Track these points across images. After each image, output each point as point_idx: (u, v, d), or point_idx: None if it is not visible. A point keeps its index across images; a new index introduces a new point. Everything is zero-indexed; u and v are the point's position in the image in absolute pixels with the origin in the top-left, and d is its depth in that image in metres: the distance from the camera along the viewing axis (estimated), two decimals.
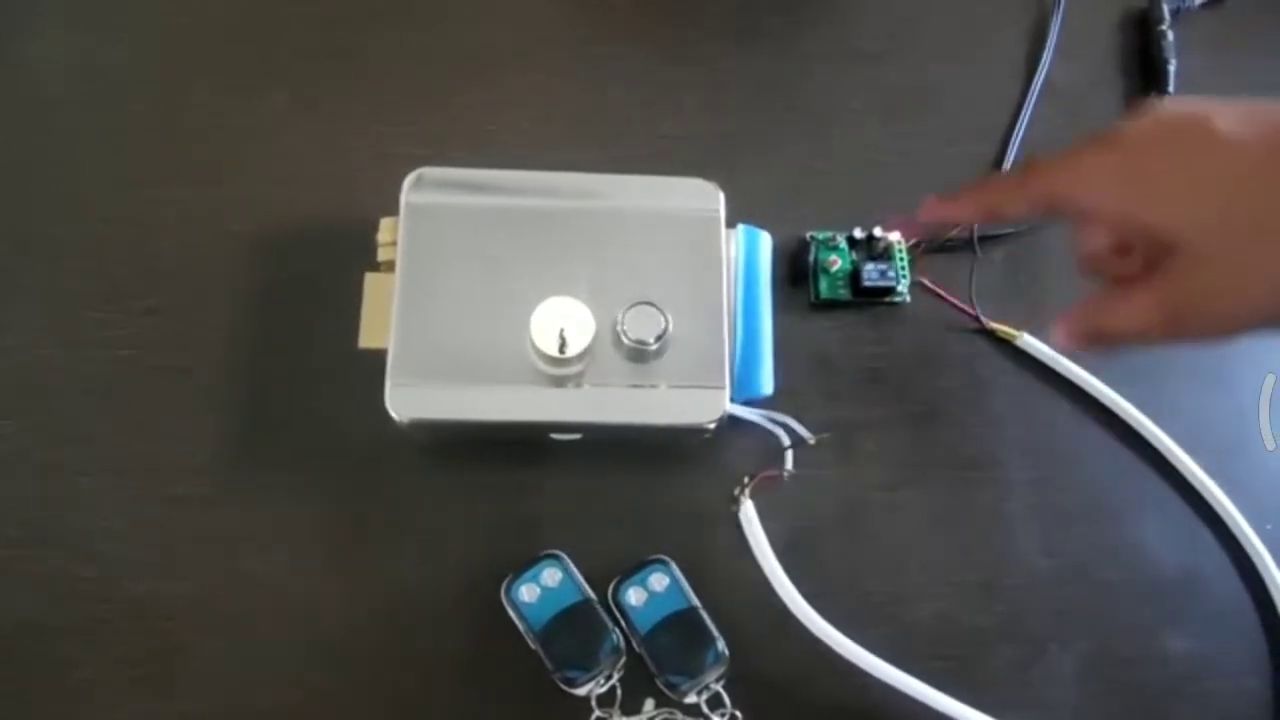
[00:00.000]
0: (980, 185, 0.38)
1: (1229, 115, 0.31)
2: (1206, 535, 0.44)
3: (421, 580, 0.41)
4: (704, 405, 0.40)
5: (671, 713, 0.40)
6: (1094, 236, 0.35)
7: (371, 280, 0.41)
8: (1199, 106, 0.31)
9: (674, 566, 0.41)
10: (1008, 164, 0.47)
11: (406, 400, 0.39)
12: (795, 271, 0.46)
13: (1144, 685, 0.42)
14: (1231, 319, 0.31)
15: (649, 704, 0.40)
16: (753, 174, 0.47)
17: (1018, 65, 0.50)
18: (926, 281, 0.45)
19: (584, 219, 0.41)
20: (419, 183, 0.41)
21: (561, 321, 0.38)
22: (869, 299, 0.45)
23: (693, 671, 0.39)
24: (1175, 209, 0.30)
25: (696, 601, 0.40)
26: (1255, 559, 0.43)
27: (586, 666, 0.39)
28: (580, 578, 0.40)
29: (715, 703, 0.40)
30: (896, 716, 0.40)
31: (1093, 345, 0.34)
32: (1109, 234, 0.35)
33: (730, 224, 0.42)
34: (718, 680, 0.40)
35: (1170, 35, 0.49)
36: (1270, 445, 0.45)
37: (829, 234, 0.46)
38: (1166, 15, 0.50)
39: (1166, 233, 0.30)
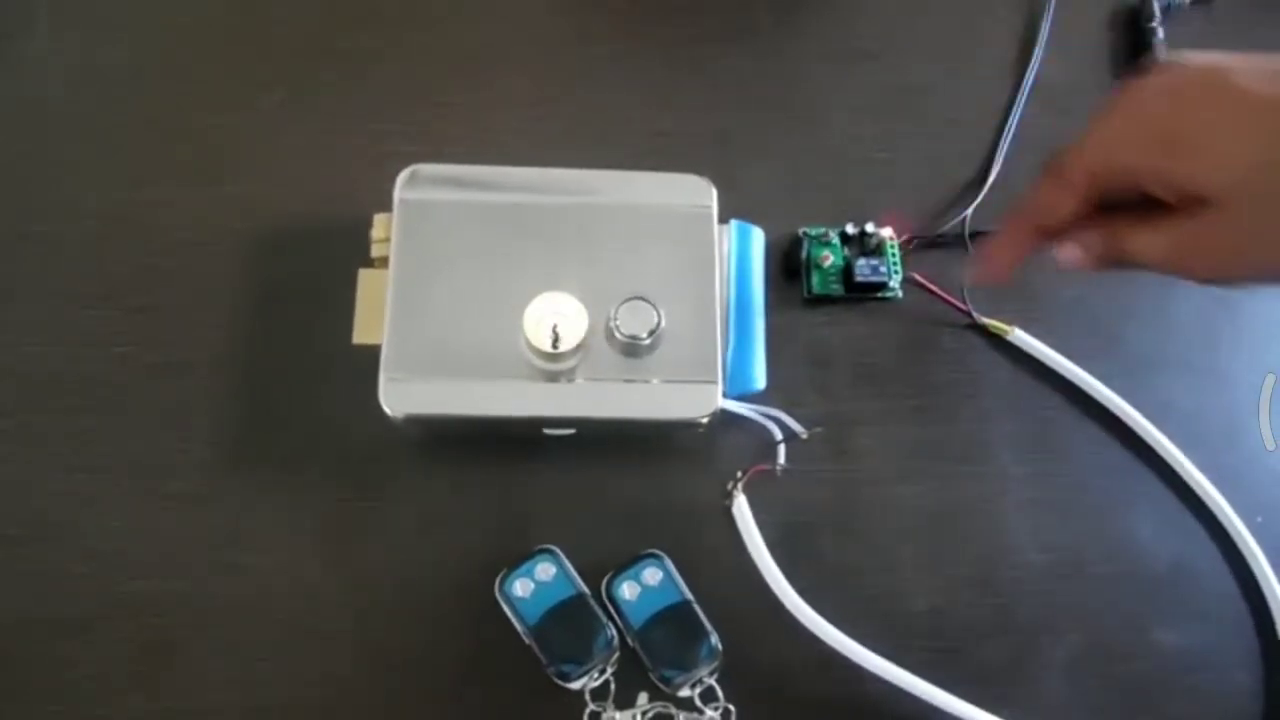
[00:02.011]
0: (1018, 209, 0.36)
1: (1247, 71, 0.31)
2: (1198, 530, 0.44)
3: (415, 575, 0.41)
4: (697, 400, 0.40)
5: (665, 706, 0.40)
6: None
7: (365, 276, 0.41)
8: (1213, 61, 0.32)
9: (667, 560, 0.41)
10: (999, 161, 0.48)
11: (400, 396, 0.39)
12: (788, 267, 0.46)
13: (1135, 679, 0.42)
14: (1238, 269, 0.32)
15: (643, 698, 0.40)
16: (747, 171, 0.47)
17: (1009, 63, 0.50)
18: (919, 277, 0.45)
19: (577, 215, 0.41)
20: (413, 179, 0.41)
21: (555, 317, 0.39)
22: (861, 294, 0.45)
23: (686, 665, 0.39)
24: (1203, 164, 0.31)
25: (690, 595, 0.40)
26: (1246, 554, 0.43)
27: (580, 661, 0.39)
28: (574, 572, 0.41)
29: (709, 696, 0.40)
30: (889, 709, 0.40)
31: (1105, 265, 0.34)
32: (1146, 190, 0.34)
33: (723, 220, 0.43)
34: (711, 674, 0.40)
35: (1160, 33, 0.50)
36: (1270, 445, 0.45)
37: (822, 230, 0.46)
38: (1157, 13, 0.50)
39: (1195, 187, 0.31)
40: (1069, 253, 0.35)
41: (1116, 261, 0.34)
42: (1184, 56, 0.32)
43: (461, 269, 0.40)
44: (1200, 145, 0.31)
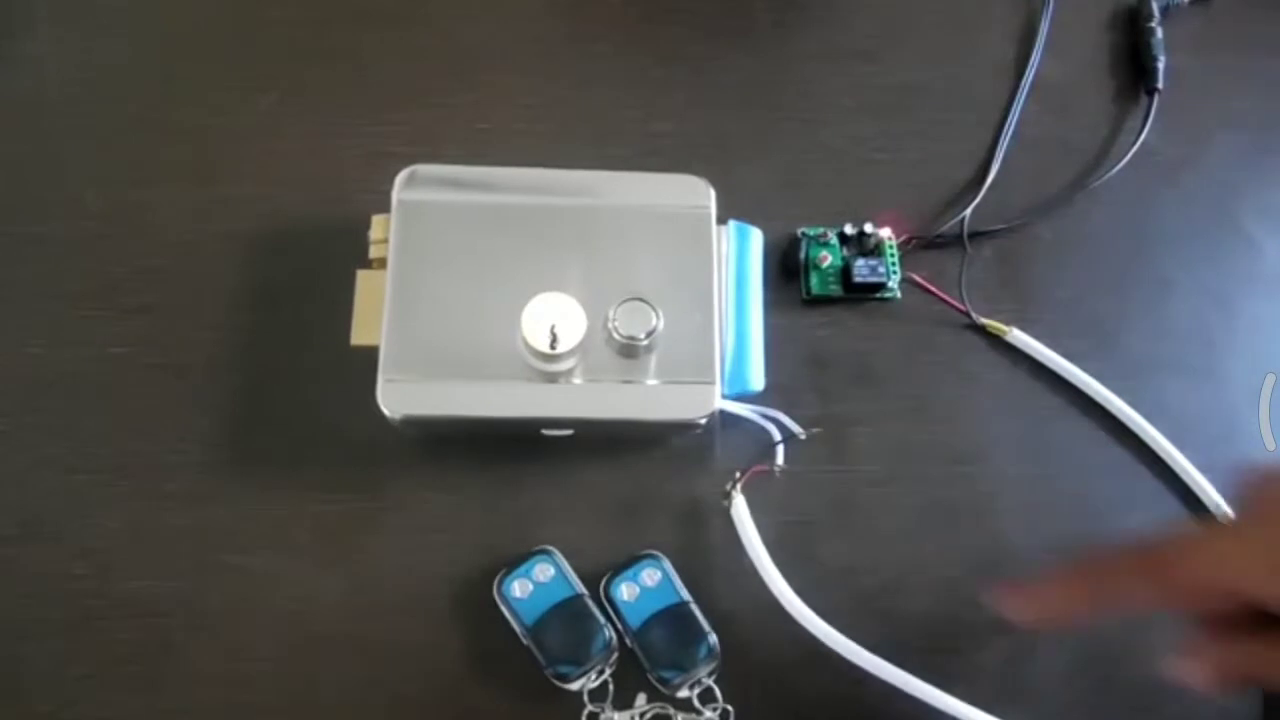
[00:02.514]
0: (1087, 570, 0.33)
1: None
2: None
3: (413, 576, 0.41)
4: (695, 401, 0.40)
5: (664, 707, 0.40)
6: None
7: (364, 278, 0.41)
8: None
9: (666, 561, 0.41)
10: (997, 161, 0.48)
11: (398, 397, 0.39)
12: (786, 267, 0.46)
13: (1133, 679, 0.42)
14: None
15: (641, 699, 0.40)
16: (744, 171, 0.47)
17: (1007, 63, 0.50)
18: (917, 277, 0.45)
19: (575, 215, 0.41)
20: (411, 180, 0.41)
21: (553, 317, 0.39)
22: (860, 295, 0.45)
23: (685, 666, 0.39)
24: None
25: (688, 596, 0.40)
26: None
27: (578, 662, 0.39)
28: (572, 573, 0.41)
29: (707, 697, 0.40)
30: (887, 710, 0.40)
31: (1241, 689, 0.32)
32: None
33: (721, 220, 0.43)
34: (710, 674, 0.40)
35: (1159, 32, 0.49)
36: (1271, 446, 0.45)
37: (820, 230, 0.46)
38: (1156, 12, 0.50)
39: None
40: (1198, 672, 0.32)
41: (1257, 685, 0.32)
42: None
43: (459, 270, 0.40)
44: None
